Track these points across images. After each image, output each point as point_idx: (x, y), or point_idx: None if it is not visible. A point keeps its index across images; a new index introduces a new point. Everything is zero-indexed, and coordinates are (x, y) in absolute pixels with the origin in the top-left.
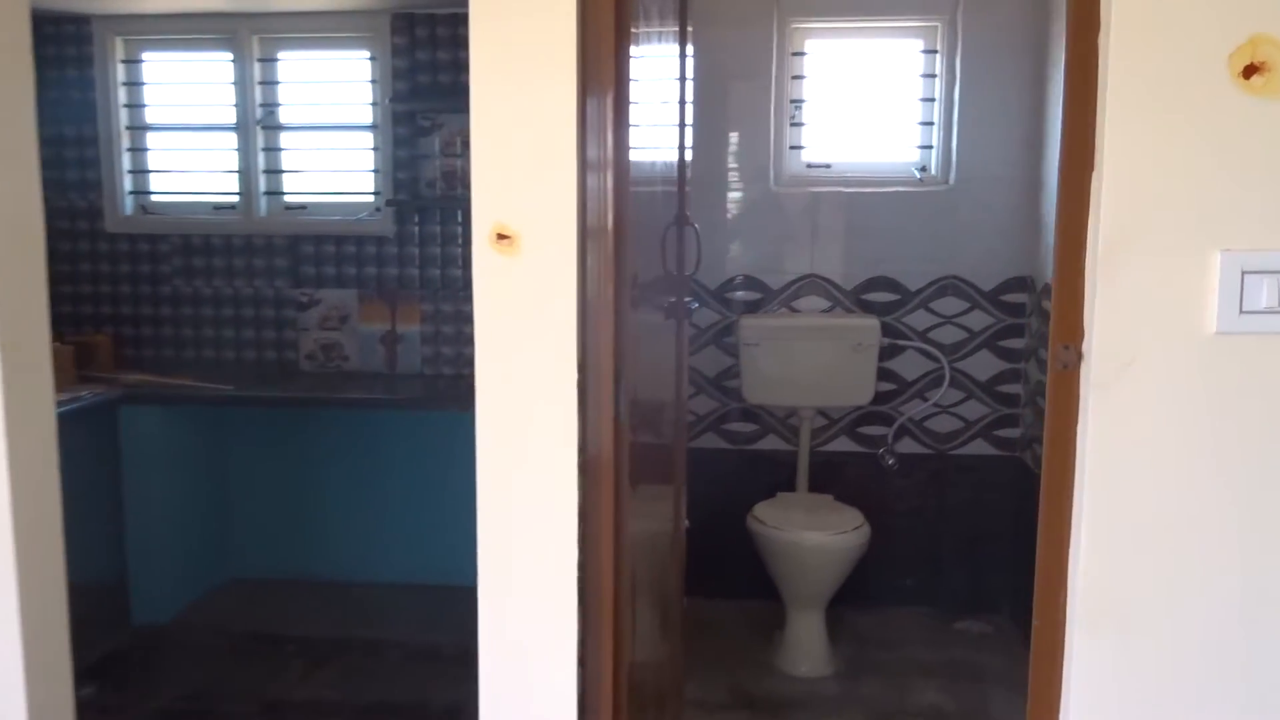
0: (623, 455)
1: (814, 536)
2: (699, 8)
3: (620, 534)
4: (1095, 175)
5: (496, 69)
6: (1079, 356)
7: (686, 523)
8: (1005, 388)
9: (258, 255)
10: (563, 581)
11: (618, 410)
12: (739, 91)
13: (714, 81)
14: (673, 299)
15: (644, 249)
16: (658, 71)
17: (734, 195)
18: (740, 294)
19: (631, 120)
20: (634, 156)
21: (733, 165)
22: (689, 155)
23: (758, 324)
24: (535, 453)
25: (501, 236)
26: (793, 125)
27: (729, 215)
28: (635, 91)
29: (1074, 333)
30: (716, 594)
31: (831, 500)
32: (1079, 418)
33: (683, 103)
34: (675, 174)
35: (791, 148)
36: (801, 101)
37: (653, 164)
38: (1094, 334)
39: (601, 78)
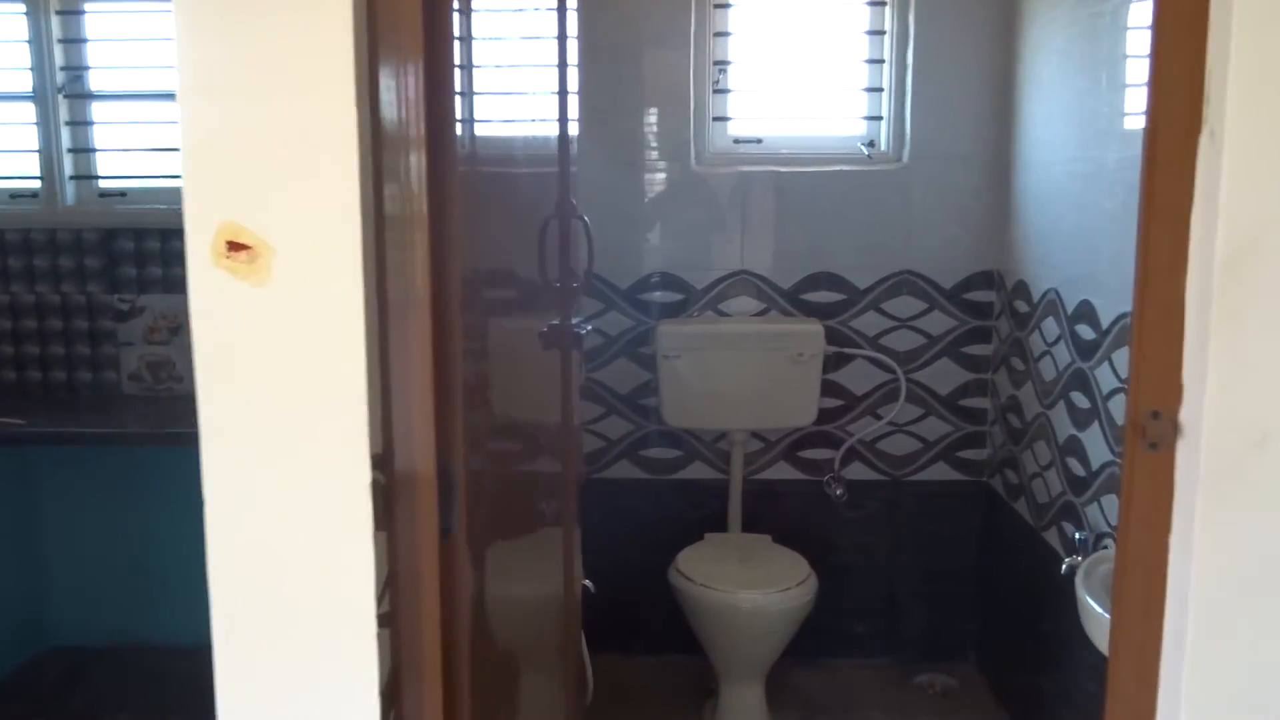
0: (457, 556)
1: (751, 597)
2: None
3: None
4: (1207, 138)
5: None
6: (1175, 430)
7: (588, 583)
8: (970, 402)
9: (64, 253)
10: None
11: (446, 510)
12: (651, 51)
13: (619, 39)
14: (554, 321)
15: (502, 253)
16: (528, 25)
17: (647, 177)
18: (658, 295)
19: (477, 85)
20: (483, 131)
21: (645, 142)
22: (575, 129)
23: (678, 331)
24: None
25: (235, 246)
26: (716, 92)
27: (642, 201)
28: (482, 48)
29: (1167, 393)
30: (635, 650)
31: (769, 542)
32: (1172, 526)
33: (563, 65)
34: (554, 154)
35: (715, 119)
36: (727, 64)
37: (515, 140)
38: (1204, 395)
39: (400, 25)
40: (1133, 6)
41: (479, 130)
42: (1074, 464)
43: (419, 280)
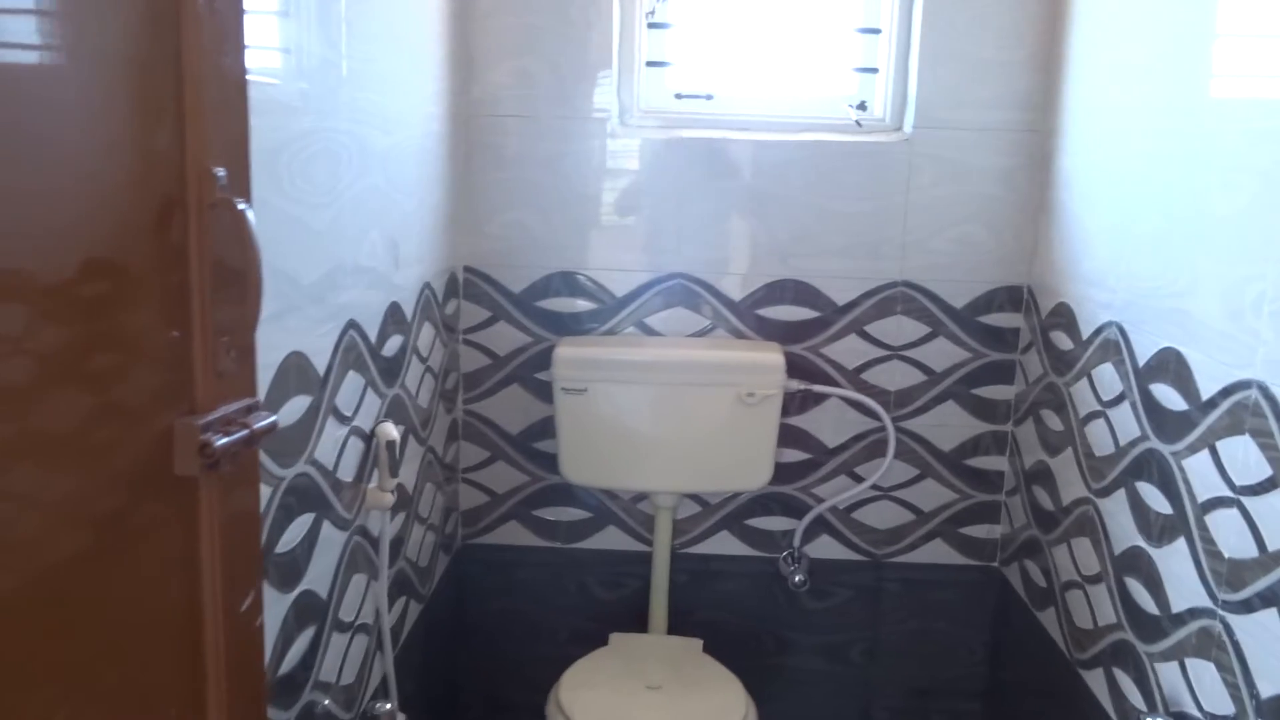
0: None
1: None
2: None
3: None
4: None
5: None
6: None
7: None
8: (981, 461)
9: None
10: None
11: None
12: None
13: None
14: (182, 417)
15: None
16: None
17: (551, 143)
18: (562, 302)
19: None
20: None
21: (548, 92)
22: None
23: (584, 355)
24: None
25: None
26: (650, 28)
27: (543, 173)
28: None
29: None
30: None
31: (698, 651)
32: None
33: None
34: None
35: (649, 64)
36: None
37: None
38: None
39: None
40: None
41: None
42: (1139, 591)
43: None
